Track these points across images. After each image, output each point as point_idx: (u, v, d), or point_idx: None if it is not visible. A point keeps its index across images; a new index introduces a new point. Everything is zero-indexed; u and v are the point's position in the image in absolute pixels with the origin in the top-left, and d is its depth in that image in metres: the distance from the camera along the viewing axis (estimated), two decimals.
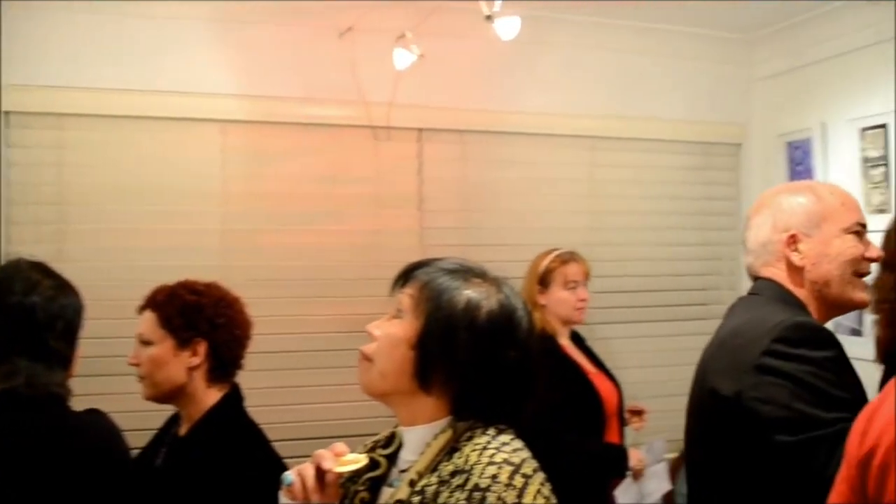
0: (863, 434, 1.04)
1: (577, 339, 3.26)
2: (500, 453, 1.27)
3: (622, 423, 3.21)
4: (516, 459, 1.27)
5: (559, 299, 3.13)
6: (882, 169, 3.40)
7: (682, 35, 3.98)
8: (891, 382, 1.08)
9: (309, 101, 3.46)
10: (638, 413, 3.30)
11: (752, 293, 1.85)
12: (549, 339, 3.07)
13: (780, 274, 1.81)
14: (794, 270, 1.79)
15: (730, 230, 4.18)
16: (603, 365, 3.25)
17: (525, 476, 1.25)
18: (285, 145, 3.46)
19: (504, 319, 1.37)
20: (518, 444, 1.33)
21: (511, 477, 1.23)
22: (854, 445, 1.05)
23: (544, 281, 3.15)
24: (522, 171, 3.80)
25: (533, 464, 1.29)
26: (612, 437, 3.11)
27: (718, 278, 4.21)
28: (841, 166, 3.62)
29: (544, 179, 3.84)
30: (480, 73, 3.66)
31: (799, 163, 3.87)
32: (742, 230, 1.93)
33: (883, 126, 3.39)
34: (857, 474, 1.02)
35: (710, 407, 1.75)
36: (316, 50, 3.44)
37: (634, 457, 3.02)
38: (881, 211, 3.42)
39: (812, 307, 1.78)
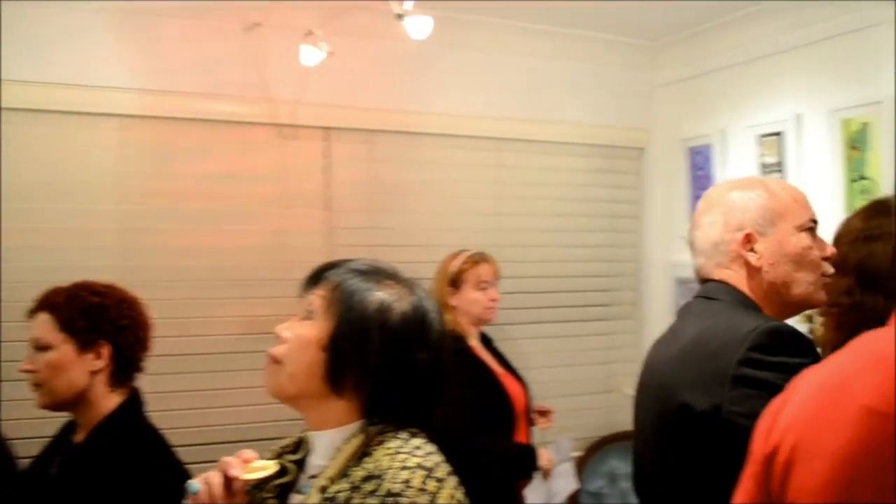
0: (768, 431, 1.05)
1: (485, 340, 3.29)
2: (412, 457, 1.26)
3: (530, 423, 3.24)
4: (429, 463, 1.26)
5: (471, 300, 3.15)
6: (778, 175, 3.52)
7: (589, 40, 4.05)
8: (795, 379, 1.10)
9: (213, 98, 3.37)
10: (545, 413, 3.34)
11: (705, 296, 1.73)
12: (459, 340, 3.08)
13: (734, 276, 1.71)
14: (751, 271, 1.70)
15: (633, 232, 4.30)
16: (511, 366, 3.28)
17: (438, 480, 1.24)
18: (188, 142, 3.36)
19: (417, 321, 1.37)
20: (431, 447, 1.32)
21: (424, 482, 1.23)
22: (759, 442, 1.07)
23: (455, 282, 3.16)
24: (431, 171, 3.81)
25: (446, 467, 1.29)
26: (520, 437, 3.14)
27: (622, 279, 4.31)
28: (739, 171, 3.74)
29: (452, 180, 3.86)
30: (390, 73, 3.65)
31: (700, 168, 3.99)
32: (689, 230, 1.83)
33: (779, 133, 3.52)
34: (762, 471, 1.04)
35: (681, 423, 1.57)
36: (221, 46, 3.35)
37: (543, 456, 3.06)
38: None
39: (767, 309, 1.69)
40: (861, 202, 2.73)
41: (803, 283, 1.68)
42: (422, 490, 1.21)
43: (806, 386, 1.05)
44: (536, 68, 3.99)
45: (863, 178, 3.10)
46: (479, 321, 3.20)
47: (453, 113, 3.79)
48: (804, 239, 1.69)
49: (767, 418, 1.08)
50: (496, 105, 3.90)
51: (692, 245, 1.80)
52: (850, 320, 1.69)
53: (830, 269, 1.72)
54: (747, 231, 1.69)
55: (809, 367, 1.11)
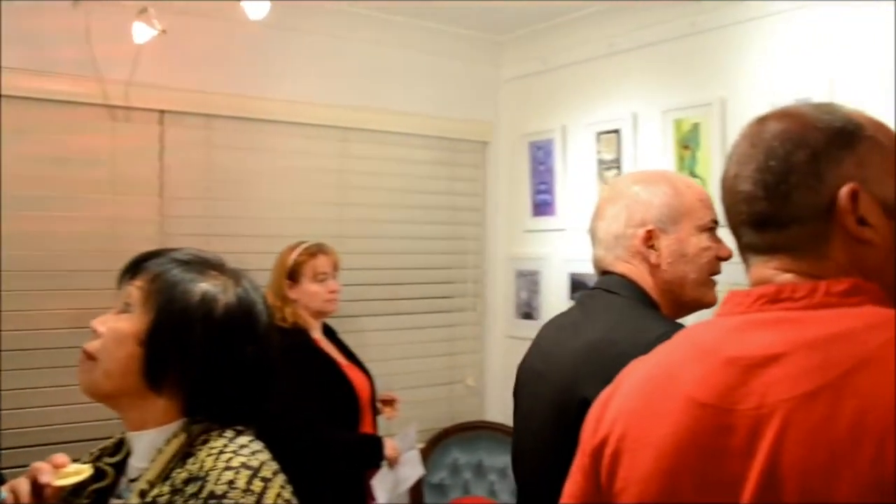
0: (596, 423, 1.07)
1: (329, 332, 3.26)
2: (237, 457, 1.21)
3: (375, 413, 3.25)
4: (255, 463, 1.22)
5: (310, 292, 3.12)
6: (615, 171, 3.66)
7: (435, 32, 4.08)
8: (622, 372, 1.12)
9: (38, 75, 3.13)
10: (390, 402, 3.37)
11: (605, 289, 1.71)
12: (301, 333, 3.06)
13: (634, 271, 1.70)
14: (650, 268, 1.68)
15: (476, 225, 4.36)
16: (355, 357, 3.27)
17: (264, 480, 1.20)
18: (11, 122, 3.10)
19: (242, 314, 1.32)
20: (257, 445, 1.28)
21: (249, 482, 1.18)
22: (588, 435, 1.08)
23: (293, 275, 3.12)
24: (271, 159, 3.71)
25: (273, 466, 1.25)
26: (366, 427, 3.15)
27: (465, 272, 4.36)
28: (579, 167, 3.86)
29: (294, 169, 3.78)
30: (229, 55, 3.53)
31: (541, 162, 4.09)
32: (592, 219, 1.80)
33: (616, 131, 3.65)
34: (591, 462, 1.05)
35: (579, 417, 1.46)
36: (47, 20, 3.14)
37: (389, 445, 3.08)
38: None
39: (664, 307, 1.69)
40: None
41: (698, 283, 1.68)
42: (247, 491, 1.17)
43: (633, 378, 1.08)
44: (382, 57, 3.97)
45: (693, 175, 3.26)
46: (320, 313, 3.18)
47: (295, 100, 3.71)
48: (704, 240, 1.69)
49: (595, 411, 1.09)
50: (339, 93, 3.85)
51: (593, 235, 1.78)
52: None
53: (721, 271, 1.71)
54: (649, 227, 1.68)
55: (637, 360, 1.12)
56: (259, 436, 1.31)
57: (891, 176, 0.99)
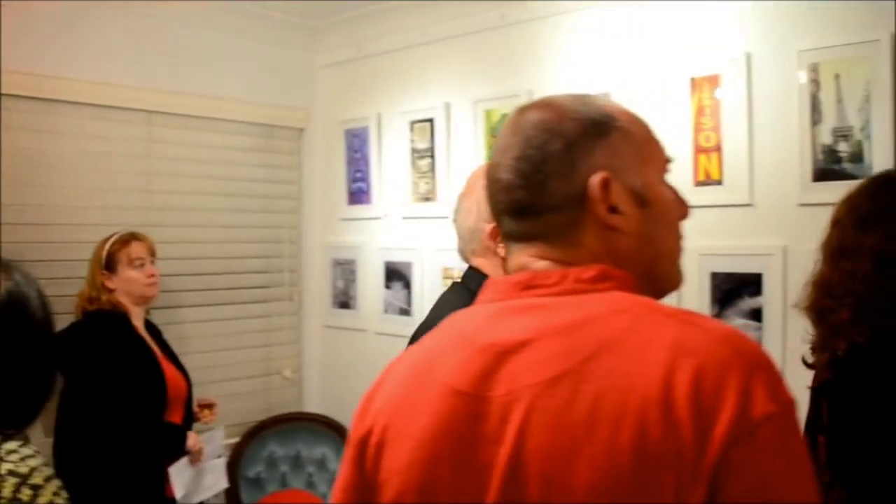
0: (363, 414, 1.07)
1: (151, 327, 3.26)
2: (4, 464, 1.16)
3: (189, 412, 3.22)
4: (24, 469, 1.16)
5: (129, 279, 3.12)
6: (428, 160, 3.73)
7: (250, 15, 4.00)
8: (391, 362, 1.12)
9: None
10: (208, 406, 3.34)
11: (461, 282, 1.77)
12: (120, 315, 3.07)
13: (487, 265, 1.76)
14: (498, 260, 1.71)
15: (291, 213, 4.32)
16: (174, 355, 3.26)
17: (34, 487, 1.15)
18: None
19: (12, 311, 1.25)
20: (28, 450, 1.21)
21: (16, 490, 1.13)
22: (355, 424, 1.08)
23: (109, 265, 3.11)
24: (72, 143, 3.52)
25: (45, 472, 1.19)
26: (174, 421, 3.12)
27: (281, 261, 4.31)
28: (394, 156, 3.91)
29: (97, 154, 3.59)
30: (24, 31, 3.30)
31: (356, 150, 4.11)
32: (453, 211, 1.84)
33: (430, 120, 3.72)
34: (357, 454, 1.05)
35: None
36: None
37: (193, 437, 3.07)
38: (427, 199, 3.75)
39: None
40: None
41: None
42: (13, 500, 1.12)
43: (399, 367, 1.08)
44: (192, 39, 3.86)
45: None
46: (143, 299, 3.18)
47: (97, 80, 3.53)
48: None
49: (363, 401, 1.09)
50: (145, 74, 3.69)
51: (454, 227, 1.83)
52: (872, 309, 1.65)
53: None
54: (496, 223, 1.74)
55: (407, 349, 1.14)
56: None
57: (641, 165, 1.02)
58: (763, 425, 0.80)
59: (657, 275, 1.04)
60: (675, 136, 2.97)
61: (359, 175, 4.11)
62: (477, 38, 3.61)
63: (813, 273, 1.80)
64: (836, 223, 1.78)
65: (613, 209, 0.98)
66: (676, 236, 1.07)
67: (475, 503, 0.91)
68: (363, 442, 1.04)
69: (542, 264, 1.00)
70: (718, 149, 2.89)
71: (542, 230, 1.01)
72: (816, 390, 1.71)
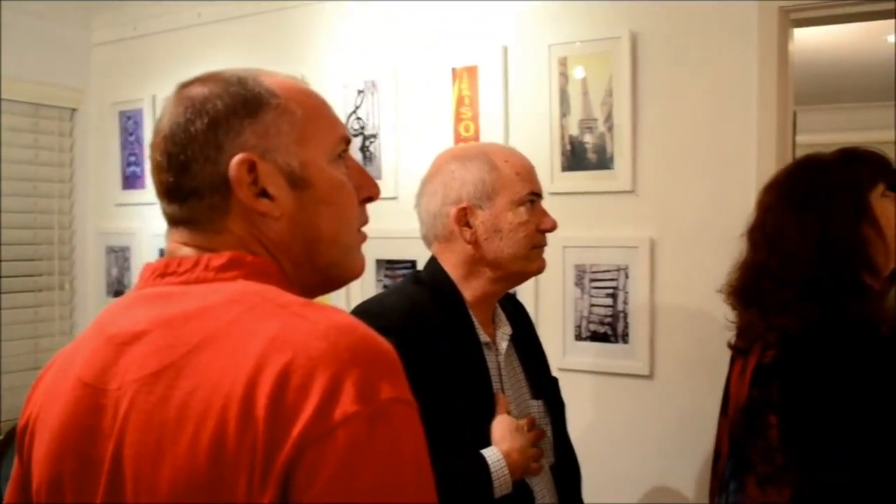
0: (26, 404, 1.05)
1: None
2: None
3: None
4: None
5: None
6: None
7: None
8: (57, 354, 1.11)
9: None
10: None
11: (417, 268, 1.80)
12: None
13: (446, 249, 1.74)
14: (463, 245, 1.72)
15: (63, 198, 4.15)
16: None
17: None
18: None
19: None
20: None
21: None
22: (21, 416, 1.06)
23: None
24: None
25: None
26: None
27: (51, 248, 4.12)
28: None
29: None
30: None
31: (131, 133, 3.98)
32: (416, 195, 1.80)
33: None
34: (19, 445, 1.03)
35: None
36: None
37: None
38: None
39: (491, 279, 1.73)
40: None
41: (515, 258, 1.72)
42: None
43: (59, 357, 1.06)
44: None
45: None
46: None
47: None
48: (521, 214, 1.71)
49: (29, 392, 1.06)
50: None
51: (417, 212, 1.79)
52: (818, 288, 1.68)
53: (545, 242, 1.77)
54: (463, 205, 1.70)
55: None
56: None
57: (300, 145, 0.98)
58: (343, 426, 0.76)
59: (323, 262, 1.01)
60: (438, 126, 3.06)
61: (133, 159, 3.98)
62: (253, 21, 3.57)
63: (742, 258, 1.83)
64: (768, 208, 1.80)
65: (264, 193, 0.95)
66: (348, 220, 1.04)
67: (89, 502, 0.89)
68: (22, 432, 1.02)
69: (185, 251, 0.97)
70: (477, 138, 2.98)
71: (188, 215, 0.97)
72: (765, 369, 1.67)
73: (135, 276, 3.96)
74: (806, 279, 1.67)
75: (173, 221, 0.99)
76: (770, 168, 2.40)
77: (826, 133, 6.38)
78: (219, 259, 0.93)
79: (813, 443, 1.57)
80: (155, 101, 3.86)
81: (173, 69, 3.82)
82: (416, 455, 0.81)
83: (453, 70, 3.03)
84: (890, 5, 2.47)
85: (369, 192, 1.07)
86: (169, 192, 0.97)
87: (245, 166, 0.93)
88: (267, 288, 0.90)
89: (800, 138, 3.87)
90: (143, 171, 3.95)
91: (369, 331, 0.84)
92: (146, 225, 3.93)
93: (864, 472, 1.52)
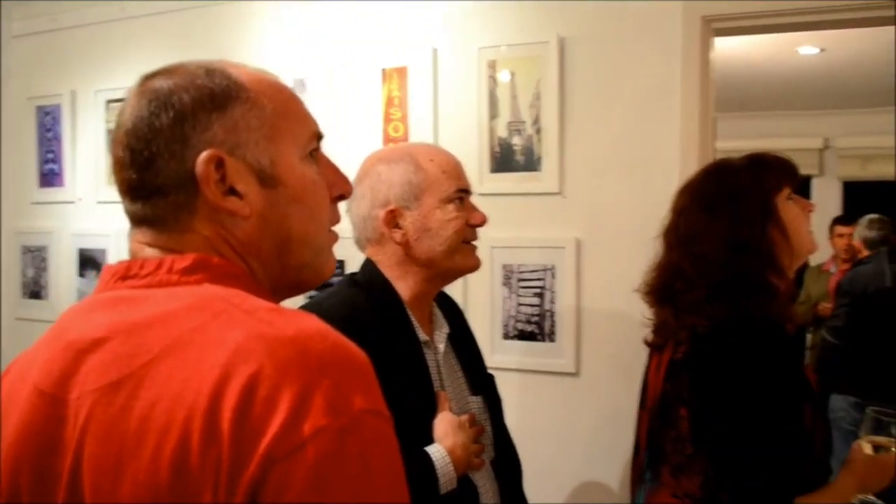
0: None
1: None
2: None
3: None
4: None
5: None
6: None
7: None
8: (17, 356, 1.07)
9: None
10: None
11: (351, 276, 1.78)
12: None
13: (379, 251, 1.75)
14: (394, 247, 1.74)
15: None
16: None
17: None
18: None
19: None
20: None
21: None
22: None
23: None
24: None
25: None
26: None
27: None
28: (89, 136, 3.75)
29: None
30: None
31: (49, 129, 3.89)
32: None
33: (121, 100, 3.56)
34: None
35: None
36: None
37: None
38: None
39: (419, 279, 1.75)
40: None
41: (448, 254, 1.74)
42: None
43: (14, 366, 0.99)
44: None
45: None
46: None
47: None
48: (450, 211, 1.73)
49: None
50: None
51: (349, 216, 1.78)
52: (727, 289, 1.75)
53: (476, 237, 1.80)
54: (391, 207, 1.72)
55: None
56: None
57: (270, 141, 0.94)
58: (312, 441, 0.72)
59: (294, 263, 0.98)
60: (367, 126, 3.08)
61: (50, 156, 3.89)
62: (179, 17, 3.52)
63: (658, 258, 1.91)
64: (682, 211, 1.88)
65: (232, 191, 0.91)
66: (320, 219, 1.00)
67: None
68: None
69: (149, 252, 0.93)
70: (406, 139, 3.00)
71: (152, 214, 0.92)
72: (677, 364, 1.77)
73: (53, 276, 3.88)
74: (716, 280, 1.74)
75: (136, 221, 0.95)
76: (692, 172, 2.48)
77: (739, 140, 6.60)
78: (183, 261, 0.89)
79: (716, 442, 1.66)
80: (74, 97, 3.79)
81: (95, 64, 3.75)
82: (389, 470, 0.78)
83: (383, 71, 3.05)
84: (805, 18, 2.59)
85: (342, 189, 1.05)
86: (131, 190, 0.93)
87: (213, 163, 0.90)
88: (233, 292, 0.86)
89: (717, 144, 4.01)
90: (61, 168, 3.85)
91: (341, 338, 0.81)
92: (64, 224, 3.84)
93: (764, 471, 1.61)
